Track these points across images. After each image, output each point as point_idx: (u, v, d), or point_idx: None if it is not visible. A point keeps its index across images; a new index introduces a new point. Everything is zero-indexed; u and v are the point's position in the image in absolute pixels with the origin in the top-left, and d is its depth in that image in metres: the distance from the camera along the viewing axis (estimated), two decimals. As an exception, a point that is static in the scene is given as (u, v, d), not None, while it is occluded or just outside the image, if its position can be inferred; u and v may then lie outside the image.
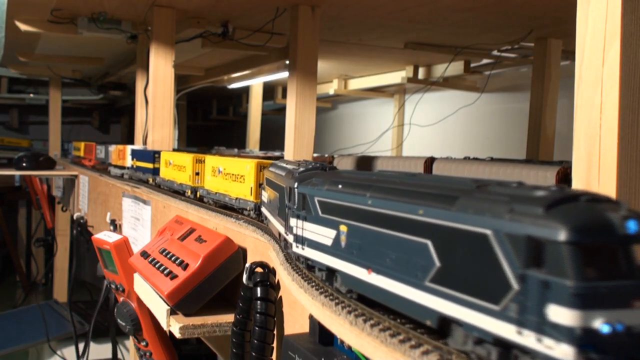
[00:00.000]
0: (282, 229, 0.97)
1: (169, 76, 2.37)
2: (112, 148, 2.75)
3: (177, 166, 1.78)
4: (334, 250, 0.74)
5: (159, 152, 2.04)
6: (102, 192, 2.67)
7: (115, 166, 2.65)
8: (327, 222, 0.76)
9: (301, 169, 0.94)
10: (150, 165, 2.08)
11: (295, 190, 0.87)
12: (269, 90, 4.74)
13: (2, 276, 6.56)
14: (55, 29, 2.56)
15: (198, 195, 1.63)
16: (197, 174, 1.64)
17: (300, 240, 0.84)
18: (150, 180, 2.07)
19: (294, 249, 0.87)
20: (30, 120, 6.66)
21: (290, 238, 0.89)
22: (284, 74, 2.94)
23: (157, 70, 2.36)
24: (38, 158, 3.70)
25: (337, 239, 0.73)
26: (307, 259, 0.84)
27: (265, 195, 1.20)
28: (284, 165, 1.10)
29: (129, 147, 2.42)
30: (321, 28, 2.20)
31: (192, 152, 2.88)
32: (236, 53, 3.04)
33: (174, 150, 2.39)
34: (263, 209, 1.23)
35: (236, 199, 1.40)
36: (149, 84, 2.42)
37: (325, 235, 0.76)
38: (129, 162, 2.39)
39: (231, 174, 1.42)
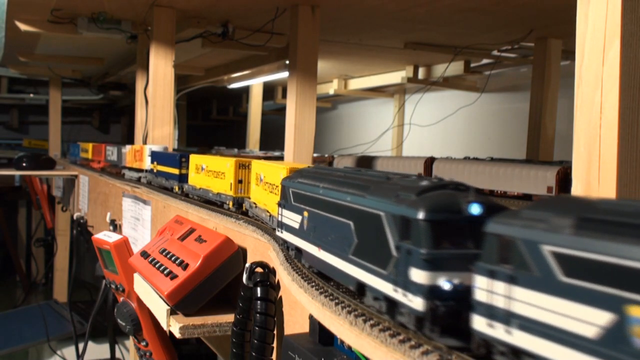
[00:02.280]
0: (384, 285, 0.61)
1: (169, 76, 2.37)
2: (127, 149, 2.45)
3: (214, 172, 1.50)
4: None
5: (186, 155, 1.76)
6: (102, 192, 2.67)
7: (131, 169, 2.37)
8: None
9: (416, 185, 0.61)
10: (175, 171, 1.80)
11: (421, 222, 0.56)
12: (269, 90, 4.74)
13: (2, 276, 6.56)
14: (55, 29, 2.56)
15: (244, 209, 1.38)
16: (240, 182, 1.38)
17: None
18: (176, 188, 1.79)
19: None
20: (30, 120, 6.67)
21: (416, 302, 0.55)
22: (284, 74, 2.94)
23: (157, 70, 2.36)
24: (38, 158, 3.70)
25: None
26: None
27: (296, 218, 0.87)
28: (348, 175, 0.77)
29: (147, 148, 2.14)
30: (321, 28, 2.20)
31: (193, 152, 2.85)
32: (236, 53, 3.05)
33: (175, 150, 2.37)
34: (288, 236, 0.92)
35: (270, 215, 1.13)
36: (149, 84, 2.42)
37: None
38: (147, 164, 2.12)
39: (269, 183, 1.16)
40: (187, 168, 1.74)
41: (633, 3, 0.69)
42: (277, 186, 1.06)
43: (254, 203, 1.28)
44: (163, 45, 2.35)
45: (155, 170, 2.01)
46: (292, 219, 0.89)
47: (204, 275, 1.12)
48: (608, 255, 0.39)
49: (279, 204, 0.97)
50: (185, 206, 1.56)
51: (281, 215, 0.95)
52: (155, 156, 2.03)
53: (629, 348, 0.37)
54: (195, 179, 1.64)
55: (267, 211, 1.14)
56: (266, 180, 1.18)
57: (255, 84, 4.19)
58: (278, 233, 0.98)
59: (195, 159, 1.66)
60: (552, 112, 2.50)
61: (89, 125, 7.01)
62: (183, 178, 1.76)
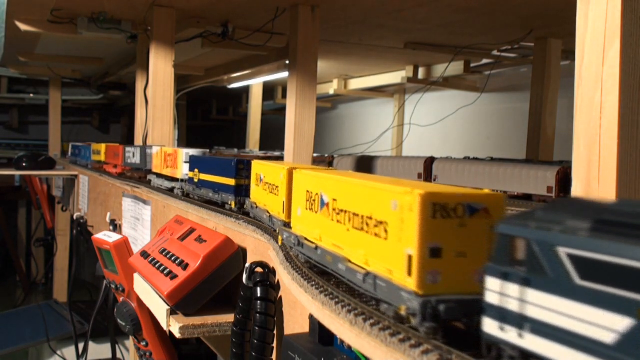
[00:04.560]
0: None
1: (169, 76, 2.37)
2: (154, 150, 2.06)
3: (269, 185, 1.12)
4: None
5: (246, 162, 1.37)
6: (102, 192, 2.67)
7: (159, 176, 1.98)
8: None
9: None
10: (230, 182, 1.39)
11: None
12: (269, 90, 4.74)
13: (2, 276, 6.56)
14: (55, 29, 2.56)
15: (280, 241, 1.01)
16: None
17: None
18: (232, 205, 1.37)
19: None
20: (30, 120, 6.67)
21: None
22: (284, 74, 2.94)
23: (157, 70, 2.36)
24: (38, 158, 3.70)
25: None
26: None
27: (601, 319, 0.39)
28: None
29: (183, 152, 1.73)
30: (321, 28, 2.20)
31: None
32: (236, 53, 3.05)
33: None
34: (557, 352, 0.43)
35: (365, 274, 0.66)
36: (149, 84, 2.42)
37: None
38: (183, 172, 1.73)
39: (351, 213, 0.70)
40: (247, 178, 1.37)
41: (633, 3, 0.69)
42: (381, 224, 0.62)
43: (304, 238, 0.86)
44: (163, 45, 2.35)
45: (196, 180, 1.62)
46: (579, 316, 0.42)
47: (204, 275, 1.12)
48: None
49: (508, 276, 0.48)
50: (185, 206, 1.56)
51: (517, 299, 0.48)
52: (197, 162, 1.64)
53: None
54: (255, 194, 1.27)
55: (350, 262, 0.69)
56: (341, 206, 0.73)
57: (255, 84, 4.19)
58: (503, 334, 0.48)
59: (256, 167, 1.28)
60: (552, 112, 2.50)
61: (88, 126, 7.01)
62: (241, 191, 1.37)
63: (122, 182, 2.26)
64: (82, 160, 3.53)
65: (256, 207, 1.22)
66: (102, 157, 2.94)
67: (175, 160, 1.79)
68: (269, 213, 1.10)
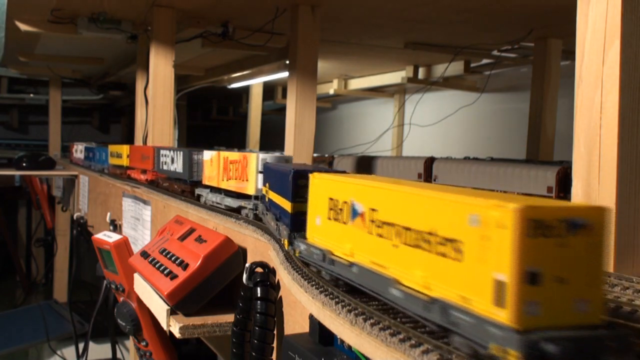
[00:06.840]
0: None
1: (169, 76, 2.37)
2: (207, 157, 1.50)
3: (408, 231, 0.59)
4: None
5: (306, 173, 0.89)
6: (102, 192, 2.67)
7: (216, 190, 1.45)
8: None
9: None
10: (286, 205, 0.95)
11: None
12: (269, 90, 4.74)
13: (2, 276, 6.56)
14: (55, 29, 2.56)
15: None
16: (532, 280, 0.46)
17: None
18: (286, 244, 0.95)
19: None
20: (30, 120, 6.67)
21: None
22: (284, 74, 2.94)
23: (157, 70, 2.36)
24: (38, 158, 3.70)
25: None
26: None
27: None
28: None
29: (258, 157, 1.18)
30: (321, 28, 2.20)
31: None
32: (236, 53, 3.05)
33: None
34: None
35: None
36: (149, 84, 2.42)
37: None
38: (255, 186, 1.18)
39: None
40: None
41: (633, 3, 0.69)
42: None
43: None
44: (163, 45, 2.35)
45: (267, 199, 1.11)
46: None
47: (204, 275, 1.12)
48: None
49: None
50: (185, 206, 1.56)
51: None
52: (268, 174, 1.12)
53: None
54: (329, 233, 0.77)
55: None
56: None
57: (255, 84, 4.20)
58: None
59: (329, 185, 0.77)
60: (552, 112, 2.50)
61: (88, 125, 7.01)
62: (299, 223, 0.88)
63: (122, 182, 2.25)
64: (97, 164, 3.01)
65: (344, 262, 0.72)
66: (125, 161, 2.41)
67: (244, 170, 1.26)
68: (424, 294, 0.56)
